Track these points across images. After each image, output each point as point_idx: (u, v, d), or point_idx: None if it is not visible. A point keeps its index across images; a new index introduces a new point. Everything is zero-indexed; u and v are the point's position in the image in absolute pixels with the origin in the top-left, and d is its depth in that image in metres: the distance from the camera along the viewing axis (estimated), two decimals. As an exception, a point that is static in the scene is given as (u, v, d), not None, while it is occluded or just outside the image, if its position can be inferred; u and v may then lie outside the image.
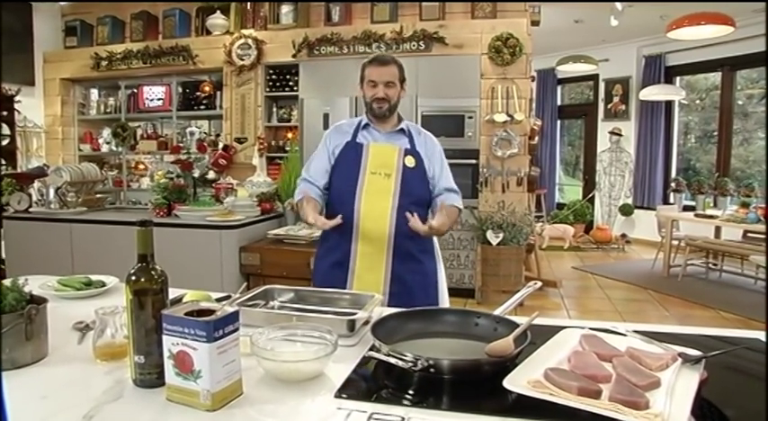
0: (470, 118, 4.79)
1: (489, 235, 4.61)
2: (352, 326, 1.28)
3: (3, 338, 1.05)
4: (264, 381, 1.05)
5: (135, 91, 5.91)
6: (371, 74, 2.07)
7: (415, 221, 1.88)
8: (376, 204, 2.01)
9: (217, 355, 0.93)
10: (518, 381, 0.95)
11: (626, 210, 8.10)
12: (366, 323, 1.30)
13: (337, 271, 2.03)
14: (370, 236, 2.01)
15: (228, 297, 1.52)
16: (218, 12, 5.45)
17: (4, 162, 5.21)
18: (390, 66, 2.07)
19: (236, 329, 0.98)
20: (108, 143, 6.02)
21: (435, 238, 2.19)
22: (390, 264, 2.02)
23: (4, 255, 4.14)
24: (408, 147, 2.10)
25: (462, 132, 4.79)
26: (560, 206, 9.17)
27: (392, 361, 1.04)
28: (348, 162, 2.08)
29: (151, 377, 1.02)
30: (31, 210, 4.14)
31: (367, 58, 2.12)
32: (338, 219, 1.87)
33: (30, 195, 4.25)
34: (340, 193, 2.07)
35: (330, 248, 2.09)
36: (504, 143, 4.79)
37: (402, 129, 2.14)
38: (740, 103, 7.34)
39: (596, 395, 0.91)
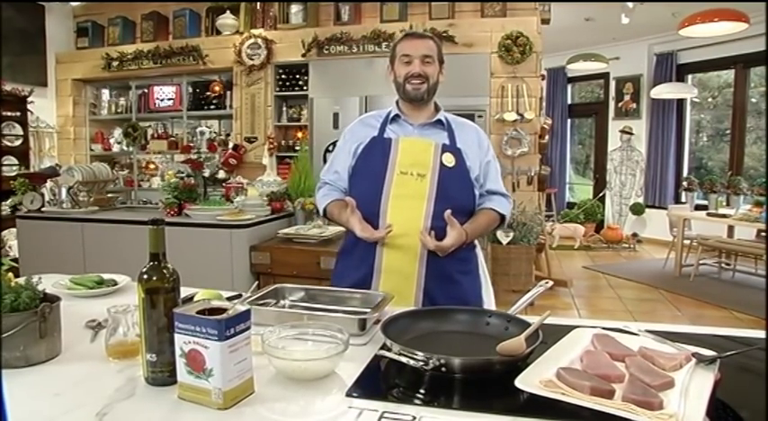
0: (480, 117, 4.77)
1: (499, 234, 4.59)
2: (363, 325, 1.28)
3: (17, 336, 1.06)
4: (276, 380, 1.05)
5: (145, 91, 5.94)
6: (405, 48, 1.76)
7: (425, 238, 1.64)
8: (406, 211, 1.69)
9: (228, 354, 0.93)
10: (530, 381, 0.95)
11: (637, 210, 8.04)
12: (377, 322, 1.30)
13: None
14: (399, 250, 1.69)
15: (239, 296, 1.52)
16: (228, 12, 5.47)
17: (17, 162, 5.28)
18: (427, 40, 1.79)
19: (248, 328, 0.98)
20: (119, 143, 6.07)
21: (480, 255, 1.89)
22: (423, 284, 1.69)
23: (17, 254, 4.19)
24: (447, 142, 1.77)
25: (472, 131, 4.77)
26: (571, 205, 9.12)
27: (403, 360, 1.04)
28: (373, 160, 1.76)
29: (163, 375, 1.02)
30: (43, 209, 4.17)
31: (398, 37, 1.83)
32: (387, 228, 1.66)
33: (42, 195, 4.29)
34: (362, 198, 1.73)
35: (349, 265, 1.79)
36: (514, 142, 4.76)
37: (440, 121, 1.81)
38: (753, 100, 7.25)
39: (609, 395, 0.91)
